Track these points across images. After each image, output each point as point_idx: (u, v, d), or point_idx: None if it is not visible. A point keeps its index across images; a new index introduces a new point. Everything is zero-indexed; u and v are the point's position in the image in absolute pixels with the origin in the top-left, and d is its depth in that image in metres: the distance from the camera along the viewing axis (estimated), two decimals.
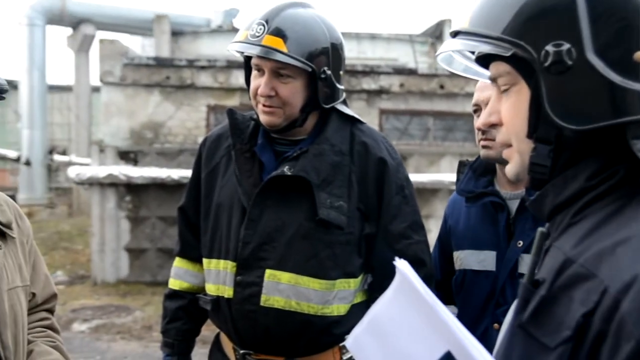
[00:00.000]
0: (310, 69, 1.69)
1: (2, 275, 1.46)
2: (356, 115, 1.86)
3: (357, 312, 1.78)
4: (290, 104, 1.72)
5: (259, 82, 1.72)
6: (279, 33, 1.67)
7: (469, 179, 1.76)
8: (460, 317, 1.72)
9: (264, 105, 1.72)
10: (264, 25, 1.67)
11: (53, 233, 10.62)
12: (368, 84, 8.59)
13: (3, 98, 1.42)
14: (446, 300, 1.82)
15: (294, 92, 1.71)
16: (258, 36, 1.67)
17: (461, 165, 1.82)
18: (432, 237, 1.95)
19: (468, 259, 1.75)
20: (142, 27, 14.36)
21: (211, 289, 1.83)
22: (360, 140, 1.79)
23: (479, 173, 1.82)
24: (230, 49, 1.75)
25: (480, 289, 1.71)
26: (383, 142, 1.84)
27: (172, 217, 7.82)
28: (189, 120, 8.44)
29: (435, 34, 13.71)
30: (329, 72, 1.73)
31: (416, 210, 1.84)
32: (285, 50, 1.66)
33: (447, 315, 0.74)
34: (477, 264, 1.72)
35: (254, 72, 1.75)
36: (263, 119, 1.74)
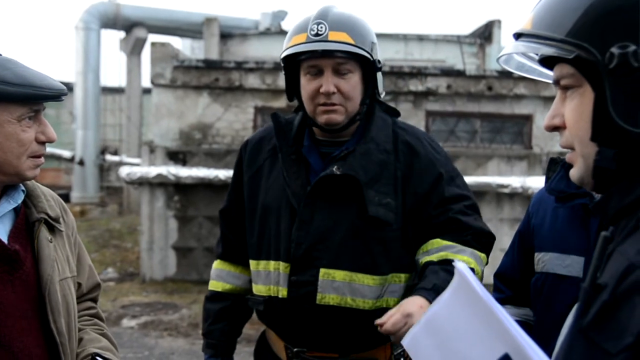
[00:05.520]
0: (371, 59, 1.75)
1: (54, 267, 1.53)
2: (392, 106, 1.91)
3: None
4: (352, 99, 1.76)
5: (317, 82, 1.74)
6: (341, 28, 1.71)
7: (560, 178, 1.63)
8: (540, 322, 1.65)
9: (325, 105, 1.74)
10: (324, 24, 1.71)
11: (104, 231, 10.89)
12: (415, 85, 8.53)
13: (61, 100, 1.49)
14: (520, 302, 1.76)
15: (354, 86, 1.76)
16: (322, 34, 1.70)
17: (552, 163, 1.69)
18: None
19: (552, 263, 1.64)
20: (192, 30, 14.59)
21: (261, 289, 1.85)
22: (404, 139, 1.82)
23: None
24: (292, 51, 1.75)
25: (563, 295, 1.60)
26: (425, 138, 1.87)
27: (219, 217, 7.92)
28: (237, 122, 8.54)
29: (484, 35, 13.51)
30: (380, 63, 1.80)
31: (472, 196, 1.86)
32: (352, 42, 1.71)
33: (506, 317, 0.74)
34: (563, 269, 1.62)
35: (308, 76, 1.77)
36: (325, 119, 1.76)
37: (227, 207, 2.04)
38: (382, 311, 1.74)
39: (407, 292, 1.83)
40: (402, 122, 1.90)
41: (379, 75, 1.82)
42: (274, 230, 1.82)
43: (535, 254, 1.70)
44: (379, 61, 1.79)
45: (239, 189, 1.96)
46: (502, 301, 1.77)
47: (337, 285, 1.73)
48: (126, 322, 6.45)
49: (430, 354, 0.83)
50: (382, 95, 1.86)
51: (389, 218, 1.73)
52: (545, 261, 1.66)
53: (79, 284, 1.70)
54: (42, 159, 1.53)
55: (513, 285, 1.79)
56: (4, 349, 1.42)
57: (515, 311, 1.76)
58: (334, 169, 1.74)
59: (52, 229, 1.58)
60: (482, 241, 1.79)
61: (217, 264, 2.08)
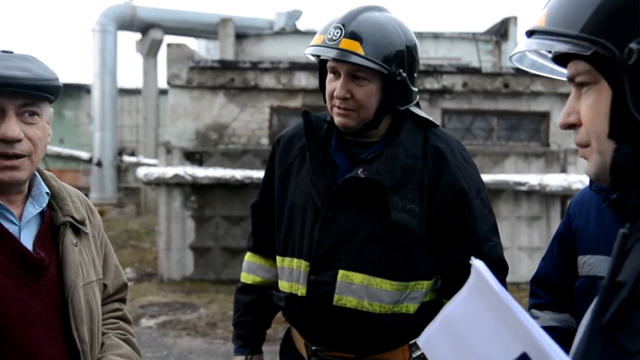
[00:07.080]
0: (386, 71, 1.70)
1: (78, 272, 1.50)
2: (430, 118, 1.86)
3: (427, 310, 1.79)
4: (365, 107, 1.74)
5: (334, 85, 1.74)
6: (355, 36, 1.69)
7: None
8: None
9: (339, 108, 1.74)
10: (341, 29, 1.70)
11: (122, 231, 10.98)
12: (431, 83, 8.49)
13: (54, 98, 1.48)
14: (559, 307, 1.71)
15: (369, 94, 1.73)
16: (335, 40, 1.70)
17: None
18: None
19: (600, 265, 1.56)
20: (207, 31, 14.66)
21: (285, 286, 1.87)
22: (434, 144, 1.80)
23: None
24: (308, 52, 1.79)
25: None
26: (456, 145, 1.84)
27: (235, 216, 7.98)
28: (253, 122, 8.56)
29: (500, 32, 13.42)
30: (404, 74, 1.74)
31: (492, 213, 1.85)
32: (362, 52, 1.68)
33: (524, 316, 0.72)
34: None
35: (330, 76, 1.78)
36: (338, 121, 1.76)
37: (258, 202, 2.06)
38: (399, 316, 1.75)
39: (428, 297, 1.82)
40: (439, 129, 1.86)
41: (396, 86, 1.74)
42: (299, 228, 1.82)
43: (579, 257, 1.64)
44: (399, 73, 1.72)
45: (270, 186, 1.98)
46: (541, 307, 1.74)
47: (355, 288, 1.72)
48: (145, 322, 6.49)
49: (445, 354, 0.82)
50: (406, 106, 1.79)
51: (411, 224, 1.71)
52: (592, 264, 1.60)
53: (105, 285, 1.67)
54: (17, 160, 1.41)
55: (552, 290, 1.74)
56: None
57: (555, 316, 1.71)
58: (359, 172, 1.73)
59: (78, 232, 1.55)
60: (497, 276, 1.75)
61: (248, 257, 2.11)
